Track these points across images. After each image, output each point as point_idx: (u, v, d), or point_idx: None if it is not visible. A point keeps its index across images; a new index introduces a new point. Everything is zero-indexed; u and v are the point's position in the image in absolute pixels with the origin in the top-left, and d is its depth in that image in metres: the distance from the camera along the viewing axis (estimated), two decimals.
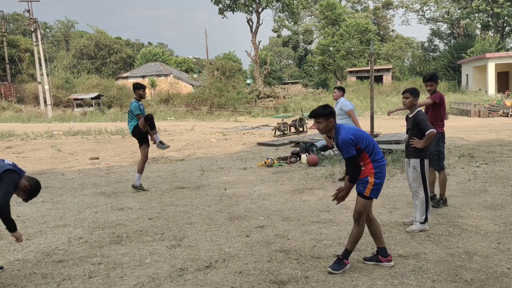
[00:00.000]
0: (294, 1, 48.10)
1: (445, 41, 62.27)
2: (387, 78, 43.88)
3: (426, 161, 5.24)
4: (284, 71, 64.91)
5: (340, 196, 4.13)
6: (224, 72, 40.61)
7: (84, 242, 5.06)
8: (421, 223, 5.14)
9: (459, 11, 50.38)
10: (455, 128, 17.68)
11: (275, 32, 62.01)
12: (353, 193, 4.40)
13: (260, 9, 46.90)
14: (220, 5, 46.74)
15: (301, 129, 18.50)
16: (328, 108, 4.08)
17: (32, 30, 36.91)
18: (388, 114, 7.17)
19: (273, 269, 4.12)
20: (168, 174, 9.54)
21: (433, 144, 5.91)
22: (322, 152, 10.68)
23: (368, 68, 39.89)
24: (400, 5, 57.52)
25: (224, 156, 12.00)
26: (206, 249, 4.70)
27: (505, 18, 45.32)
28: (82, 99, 37.67)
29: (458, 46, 46.52)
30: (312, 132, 18.02)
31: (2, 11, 49.91)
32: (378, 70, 43.06)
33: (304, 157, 10.30)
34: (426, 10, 56.34)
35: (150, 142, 8.01)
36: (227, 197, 7.17)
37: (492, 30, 48.65)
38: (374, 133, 11.68)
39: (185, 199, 7.13)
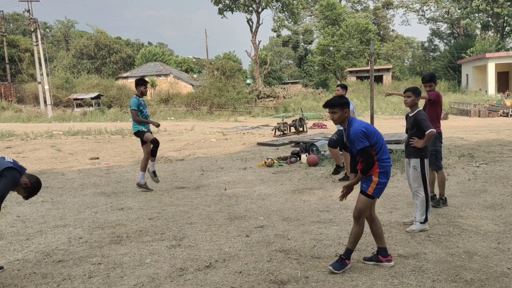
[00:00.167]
0: (294, 1, 48.05)
1: (445, 41, 62.27)
2: (387, 78, 43.91)
3: (426, 161, 5.25)
4: (284, 71, 64.87)
5: (347, 186, 4.12)
6: (224, 72, 40.57)
7: (84, 242, 5.06)
8: (421, 223, 5.14)
9: (459, 11, 50.42)
10: (455, 128, 17.68)
11: (275, 32, 62.09)
12: (355, 192, 4.40)
13: (260, 9, 46.87)
14: (220, 5, 46.70)
15: (301, 129, 18.48)
16: (344, 98, 4.13)
17: (32, 30, 36.87)
18: (386, 96, 7.13)
19: (273, 269, 4.12)
20: (168, 174, 9.54)
21: (430, 144, 5.91)
22: (322, 152, 10.68)
23: (368, 68, 39.88)
24: (400, 5, 57.64)
25: (224, 156, 12.00)
26: (206, 249, 4.70)
27: (505, 18, 45.33)
28: (82, 99, 37.65)
29: (458, 46, 46.53)
30: (312, 132, 18.03)
31: (2, 11, 49.99)
32: (378, 70, 43.07)
33: (304, 157, 10.30)
34: (426, 10, 56.47)
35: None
36: (227, 197, 7.18)
37: (492, 30, 48.67)
38: None
39: (185, 199, 7.14)
